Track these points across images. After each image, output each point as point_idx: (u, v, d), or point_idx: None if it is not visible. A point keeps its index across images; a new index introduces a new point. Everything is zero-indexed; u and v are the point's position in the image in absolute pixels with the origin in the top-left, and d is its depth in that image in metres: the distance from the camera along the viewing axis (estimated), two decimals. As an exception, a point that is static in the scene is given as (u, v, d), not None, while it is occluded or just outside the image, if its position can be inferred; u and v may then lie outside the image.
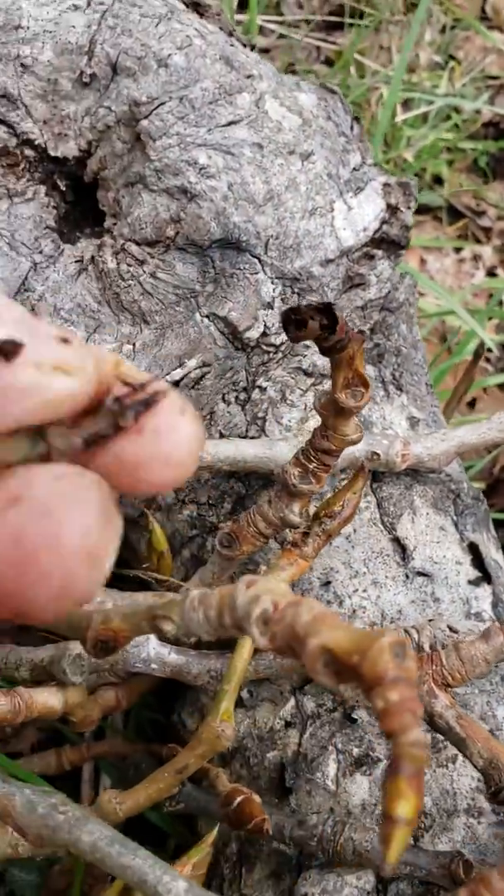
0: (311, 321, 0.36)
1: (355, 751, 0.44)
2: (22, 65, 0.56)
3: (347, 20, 1.25)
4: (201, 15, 0.60)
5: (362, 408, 0.40)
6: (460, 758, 0.44)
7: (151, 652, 0.46)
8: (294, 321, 0.36)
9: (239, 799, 0.42)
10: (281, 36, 1.21)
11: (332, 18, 1.31)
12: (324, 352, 0.39)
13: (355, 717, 0.45)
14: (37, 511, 0.23)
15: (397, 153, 1.08)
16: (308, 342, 0.43)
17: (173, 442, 0.26)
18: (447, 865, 0.39)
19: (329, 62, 1.29)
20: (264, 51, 1.23)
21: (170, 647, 0.47)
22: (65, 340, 0.25)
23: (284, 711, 0.48)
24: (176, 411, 0.26)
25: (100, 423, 0.26)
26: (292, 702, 0.48)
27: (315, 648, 0.25)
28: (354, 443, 0.42)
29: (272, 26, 1.25)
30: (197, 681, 0.47)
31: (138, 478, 0.26)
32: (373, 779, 0.44)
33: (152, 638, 0.47)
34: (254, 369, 0.52)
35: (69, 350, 0.24)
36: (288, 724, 0.47)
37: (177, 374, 0.49)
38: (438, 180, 1.18)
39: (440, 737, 0.43)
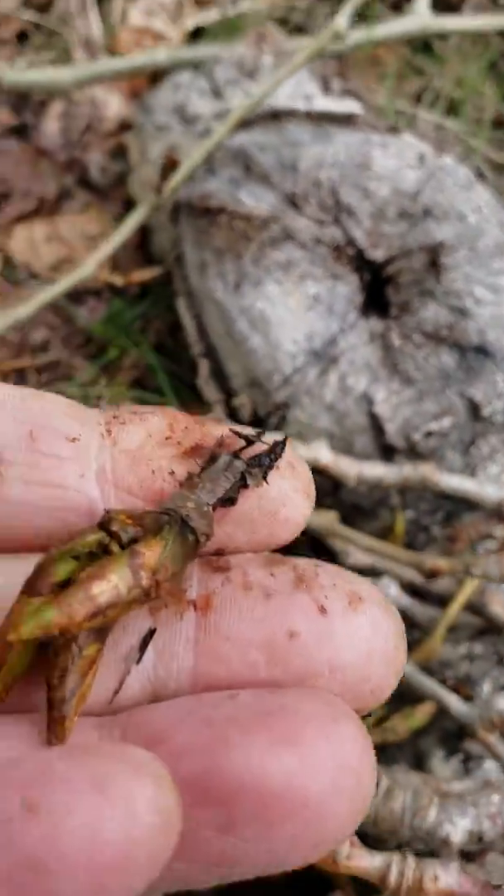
0: None
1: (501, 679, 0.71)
2: (366, 194, 0.83)
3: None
4: (483, 181, 0.87)
5: None
6: None
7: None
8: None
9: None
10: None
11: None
12: None
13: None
14: None
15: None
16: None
17: (288, 501, 0.26)
18: None
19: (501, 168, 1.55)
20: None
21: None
22: None
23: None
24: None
25: (222, 482, 0.25)
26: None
27: None
28: (553, 500, 0.69)
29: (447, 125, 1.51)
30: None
31: (259, 539, 0.26)
32: None
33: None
34: (476, 433, 0.79)
35: None
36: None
37: (433, 426, 0.76)
38: None
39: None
